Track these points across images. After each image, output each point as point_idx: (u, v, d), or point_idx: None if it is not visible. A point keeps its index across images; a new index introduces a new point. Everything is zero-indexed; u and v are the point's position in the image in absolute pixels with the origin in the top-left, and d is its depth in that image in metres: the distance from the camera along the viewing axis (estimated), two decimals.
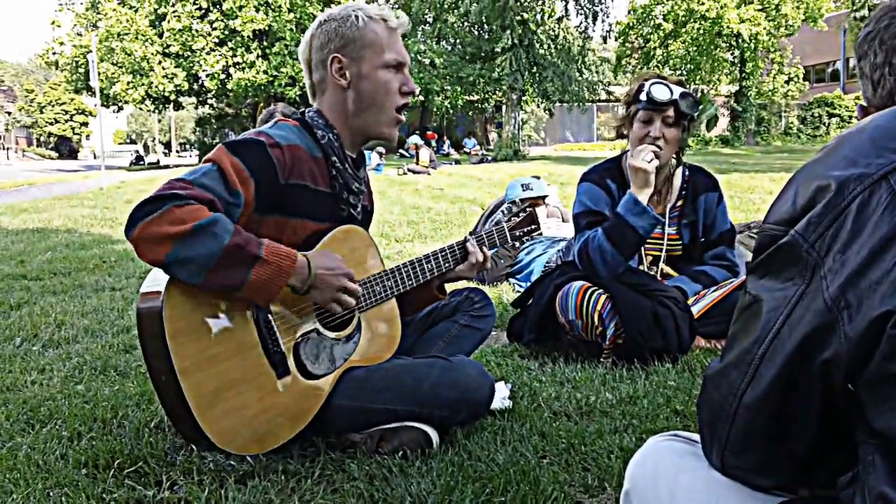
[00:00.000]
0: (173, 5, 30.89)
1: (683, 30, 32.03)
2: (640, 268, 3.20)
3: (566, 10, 31.48)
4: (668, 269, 3.25)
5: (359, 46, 2.10)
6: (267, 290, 1.84)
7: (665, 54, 33.24)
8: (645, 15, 33.70)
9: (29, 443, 2.17)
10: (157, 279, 1.86)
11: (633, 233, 2.93)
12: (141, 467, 1.97)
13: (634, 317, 2.84)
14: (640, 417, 2.30)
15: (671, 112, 2.99)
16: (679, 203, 3.23)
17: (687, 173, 3.25)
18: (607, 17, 32.58)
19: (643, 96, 2.99)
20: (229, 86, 32.12)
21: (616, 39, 35.04)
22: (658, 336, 2.85)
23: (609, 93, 35.67)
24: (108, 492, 1.84)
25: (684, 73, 31.22)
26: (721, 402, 1.03)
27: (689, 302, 3.06)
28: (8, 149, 62.55)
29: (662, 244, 3.21)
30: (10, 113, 71.00)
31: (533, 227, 2.58)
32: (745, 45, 30.93)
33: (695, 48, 32.24)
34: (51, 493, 1.84)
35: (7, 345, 3.34)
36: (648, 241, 3.11)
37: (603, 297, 2.90)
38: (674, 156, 3.11)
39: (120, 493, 1.83)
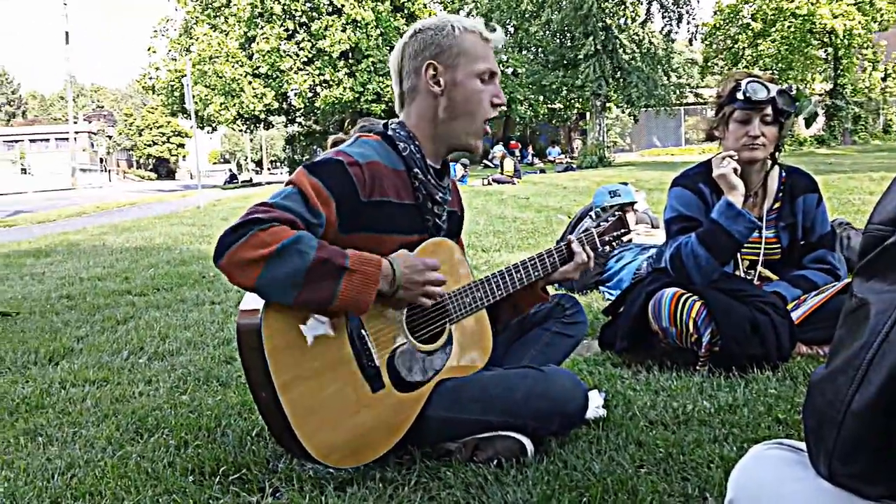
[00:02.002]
0: (262, 28, 31.81)
1: (773, 28, 31.19)
2: (737, 273, 3.13)
3: (650, 13, 31.05)
4: (766, 273, 3.16)
5: (454, 54, 2.11)
6: (359, 299, 1.85)
7: (754, 54, 32.46)
8: (732, 15, 33.02)
9: (138, 451, 2.25)
10: (255, 296, 1.91)
11: (728, 238, 2.87)
12: (244, 474, 2.03)
13: (731, 324, 2.78)
14: (741, 426, 2.24)
15: (769, 110, 2.92)
16: (776, 205, 3.14)
17: (784, 174, 3.17)
18: (693, 18, 32.06)
19: (740, 95, 2.93)
20: (317, 104, 32.90)
21: (702, 41, 34.39)
22: (756, 343, 2.77)
23: (697, 95, 35.03)
24: (214, 498, 1.90)
25: (775, 72, 30.37)
26: (827, 408, 1.00)
27: (789, 307, 2.97)
28: (110, 171, 65.46)
29: (759, 248, 3.13)
30: (110, 137, 74.27)
31: (623, 231, 2.54)
32: (839, 41, 29.89)
33: (785, 46, 31.41)
34: (160, 500, 1.91)
35: (115, 357, 3.49)
36: (745, 245, 3.03)
37: (697, 304, 2.85)
38: (769, 157, 3.04)
39: (225, 499, 1.90)
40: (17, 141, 64.41)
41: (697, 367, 2.86)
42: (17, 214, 16.90)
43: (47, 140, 65.89)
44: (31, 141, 65.59)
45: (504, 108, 2.23)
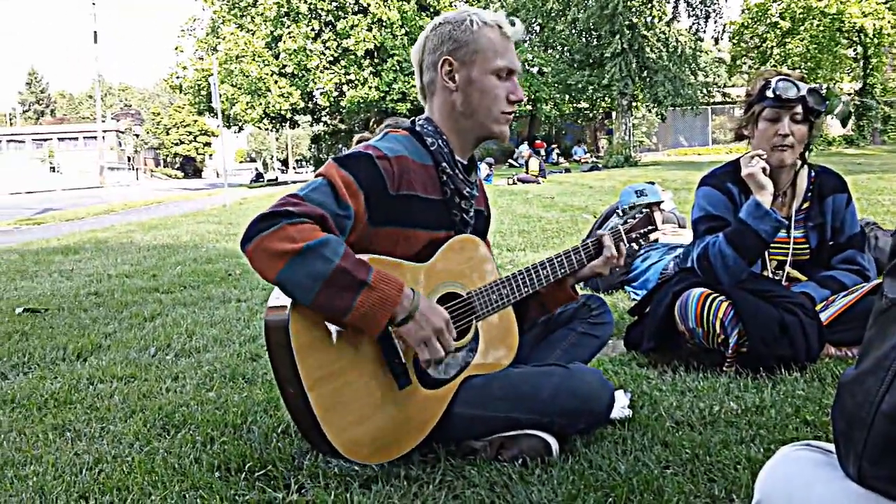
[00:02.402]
0: (288, 27, 31.97)
1: (802, 27, 30.88)
2: (765, 273, 3.10)
3: (676, 11, 30.84)
4: (795, 274, 3.13)
5: (471, 51, 2.10)
6: (373, 317, 1.83)
7: (783, 52, 32.14)
8: (760, 13, 32.72)
9: (165, 447, 2.28)
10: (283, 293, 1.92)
11: (755, 237, 2.84)
12: (270, 471, 2.04)
13: (758, 324, 2.75)
14: (768, 428, 2.22)
15: (799, 109, 2.89)
16: (805, 205, 3.11)
17: (813, 174, 3.13)
18: (720, 17, 31.82)
19: (769, 93, 2.90)
20: (342, 103, 33.03)
21: (730, 40, 34.12)
22: (784, 344, 2.74)
23: (724, 94, 34.73)
24: (240, 494, 1.92)
25: (804, 71, 30.07)
26: (857, 410, 0.99)
27: (818, 308, 2.94)
28: (137, 169, 66.11)
29: (788, 248, 3.09)
30: (138, 135, 75.04)
31: (650, 228, 2.52)
32: (869, 40, 29.53)
33: (814, 45, 31.07)
34: (186, 496, 1.93)
35: (142, 354, 3.52)
36: (773, 245, 3.00)
37: (724, 305, 2.82)
38: (798, 156, 3.01)
39: (251, 495, 1.91)
40: (46, 139, 65.23)
41: (724, 368, 2.84)
42: (46, 212, 17.14)
43: (76, 139, 66.68)
44: (60, 139, 66.39)
45: (521, 104, 2.22)
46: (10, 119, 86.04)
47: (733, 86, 37.87)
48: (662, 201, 5.15)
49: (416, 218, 2.07)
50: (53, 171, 53.13)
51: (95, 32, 45.46)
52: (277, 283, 1.81)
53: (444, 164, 2.13)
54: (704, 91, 31.73)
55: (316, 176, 1.98)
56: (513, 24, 2.18)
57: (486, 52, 2.11)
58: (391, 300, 1.84)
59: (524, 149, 23.92)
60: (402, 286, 1.87)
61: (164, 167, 76.79)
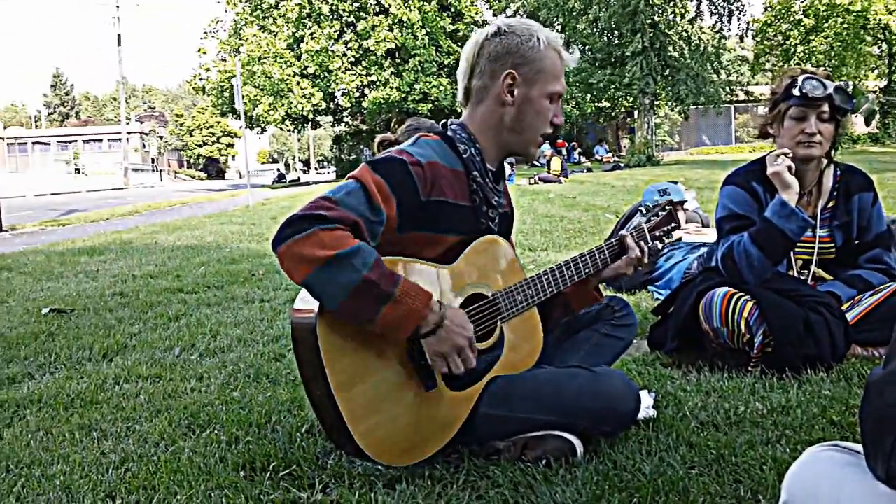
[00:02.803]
0: (310, 28, 32.09)
1: (825, 24, 30.59)
2: (790, 273, 3.07)
3: (699, 10, 30.62)
4: (820, 273, 3.10)
5: (535, 70, 2.10)
6: (396, 329, 1.84)
7: (806, 50, 31.85)
8: (783, 11, 32.42)
9: (190, 446, 2.29)
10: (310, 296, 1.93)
11: (781, 236, 2.82)
12: (294, 470, 2.06)
13: (784, 324, 2.73)
14: (794, 428, 2.20)
15: (826, 107, 2.86)
16: (830, 204, 3.08)
17: (839, 172, 3.10)
18: (743, 14, 31.53)
19: (796, 92, 2.87)
20: (364, 103, 33.09)
21: (753, 38, 33.84)
22: (810, 344, 2.72)
23: (747, 93, 34.45)
24: (265, 493, 1.93)
25: (828, 68, 29.78)
26: (886, 410, 0.98)
27: (844, 307, 2.91)
28: (161, 171, 66.66)
29: (813, 247, 3.07)
30: (161, 137, 75.69)
31: (673, 225, 2.51)
32: (894, 37, 29.20)
33: (838, 43, 30.75)
34: (212, 495, 1.94)
35: (168, 354, 3.55)
36: (798, 244, 2.97)
37: (749, 304, 2.80)
38: (824, 155, 2.98)
39: (276, 494, 1.92)
40: (71, 141, 65.95)
41: (749, 368, 2.82)
42: (71, 213, 17.31)
43: (100, 140, 67.45)
44: (85, 141, 67.19)
45: (560, 128, 2.23)
46: (36, 121, 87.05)
47: (756, 84, 37.52)
48: (686, 200, 5.12)
49: (445, 224, 2.07)
50: (78, 172, 53.71)
51: (119, 35, 45.91)
52: (304, 285, 1.83)
53: (476, 173, 2.13)
54: (727, 89, 31.47)
55: (349, 178, 1.98)
56: (571, 52, 2.19)
57: (547, 74, 2.12)
58: (416, 313, 1.84)
59: (546, 149, 23.77)
60: (429, 299, 1.88)
61: (188, 168, 77.38)
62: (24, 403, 2.86)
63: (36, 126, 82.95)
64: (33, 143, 65.74)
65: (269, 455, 2.14)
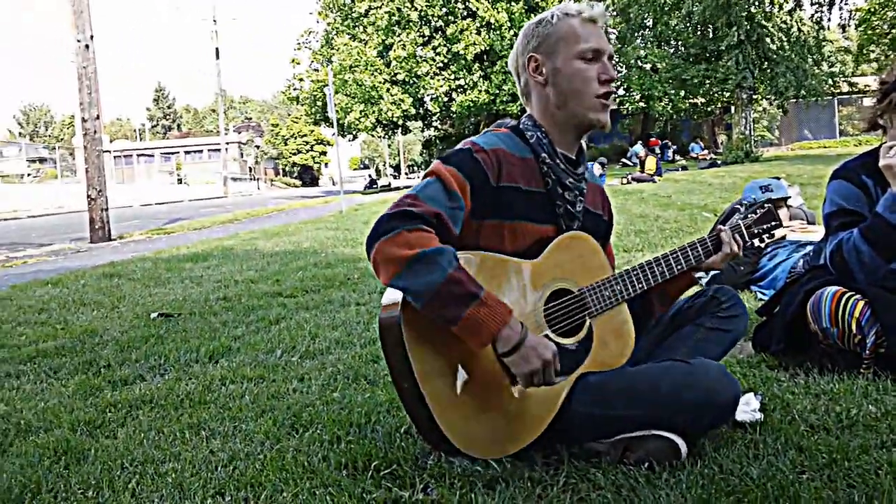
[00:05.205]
0: (399, 35, 32.44)
1: None
2: None
3: (798, 0, 29.53)
4: None
5: (553, 42, 2.14)
6: (480, 330, 1.83)
7: None
8: None
9: (294, 445, 2.35)
10: (396, 292, 1.95)
11: (894, 232, 2.69)
12: (395, 470, 2.08)
13: None
14: None
15: None
16: None
17: None
18: (846, 3, 30.22)
19: None
20: (452, 108, 33.26)
21: (857, 27, 32.46)
22: None
23: (851, 84, 33.05)
24: (368, 492, 1.95)
25: None
26: None
27: None
28: (258, 179, 68.57)
29: None
30: (258, 146, 77.83)
31: (773, 223, 2.42)
32: None
33: None
34: (316, 493, 1.98)
35: (270, 356, 3.64)
36: None
37: (861, 303, 2.68)
38: None
39: (378, 493, 1.94)
40: (173, 153, 68.47)
41: (861, 370, 2.70)
42: (175, 222, 17.97)
43: (201, 151, 69.77)
44: (186, 152, 69.63)
45: (616, 82, 2.18)
46: (140, 134, 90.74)
47: (862, 75, 35.97)
48: (789, 196, 4.96)
49: (518, 210, 2.09)
50: (181, 182, 55.68)
51: (217, 49, 47.45)
52: (391, 286, 1.88)
53: (544, 155, 2.15)
54: (830, 81, 30.24)
55: (425, 175, 2.05)
56: (593, 6, 2.16)
57: (567, 40, 2.13)
58: (501, 317, 1.84)
59: (639, 149, 23.45)
60: (511, 313, 1.88)
61: (283, 176, 79.35)
62: (136, 404, 2.97)
63: (140, 139, 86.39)
64: (138, 156, 68.43)
65: (370, 455, 2.17)
